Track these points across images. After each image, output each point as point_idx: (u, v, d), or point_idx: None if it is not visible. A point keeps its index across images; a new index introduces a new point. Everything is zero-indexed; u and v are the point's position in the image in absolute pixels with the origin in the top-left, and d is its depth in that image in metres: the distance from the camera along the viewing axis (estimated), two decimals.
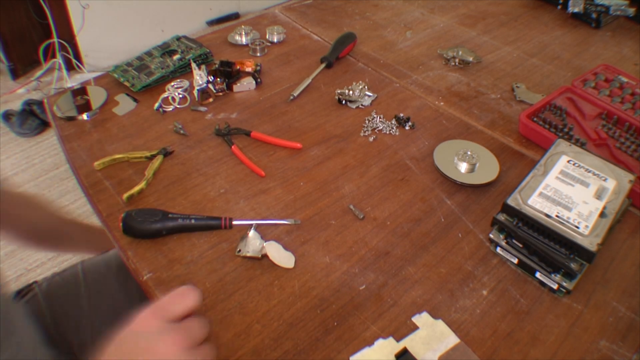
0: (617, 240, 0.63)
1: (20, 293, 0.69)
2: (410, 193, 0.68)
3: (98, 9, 2.16)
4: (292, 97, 0.85)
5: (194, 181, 0.68)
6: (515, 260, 0.59)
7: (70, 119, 0.78)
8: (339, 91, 0.85)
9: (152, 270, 0.57)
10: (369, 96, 0.85)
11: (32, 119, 2.09)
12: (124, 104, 0.82)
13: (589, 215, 0.55)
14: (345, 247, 0.61)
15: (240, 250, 0.58)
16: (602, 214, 0.55)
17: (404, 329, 0.52)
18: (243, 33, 0.98)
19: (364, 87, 0.86)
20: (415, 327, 0.52)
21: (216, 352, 0.46)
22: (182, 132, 0.76)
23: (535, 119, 0.79)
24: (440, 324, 0.53)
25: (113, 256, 0.75)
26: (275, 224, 0.62)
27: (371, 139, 0.77)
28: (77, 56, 2.28)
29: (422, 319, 0.53)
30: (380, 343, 0.51)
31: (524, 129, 0.79)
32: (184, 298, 0.45)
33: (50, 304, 0.67)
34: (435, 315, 0.54)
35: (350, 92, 0.84)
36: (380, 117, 0.81)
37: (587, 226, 0.54)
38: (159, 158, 0.70)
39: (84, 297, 0.69)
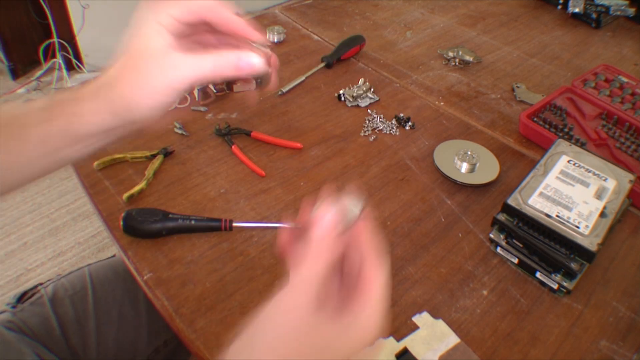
0: (617, 240, 0.63)
1: (25, 295, 0.69)
2: (410, 193, 0.68)
3: (98, 9, 2.16)
4: (280, 92, 0.85)
5: (194, 181, 0.68)
6: (516, 260, 0.59)
7: None
8: (342, 91, 0.85)
9: (152, 270, 0.57)
10: (371, 98, 0.85)
11: None
12: None
13: (589, 215, 0.55)
14: None
15: None
16: (602, 214, 0.55)
17: (405, 328, 0.52)
18: None
19: (369, 87, 0.86)
20: (415, 327, 0.52)
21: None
22: (182, 132, 0.76)
23: (535, 119, 0.79)
24: (440, 324, 0.53)
25: (120, 261, 0.75)
26: (276, 227, 0.62)
27: (371, 139, 0.77)
28: (77, 56, 2.28)
29: (423, 319, 0.53)
30: (380, 343, 0.51)
31: (524, 129, 0.79)
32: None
33: (56, 307, 0.67)
34: (435, 315, 0.54)
35: (354, 91, 0.84)
36: (380, 117, 0.81)
37: (587, 226, 0.54)
38: (159, 158, 0.70)
39: (90, 301, 0.69)
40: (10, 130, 0.42)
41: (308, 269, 0.34)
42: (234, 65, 0.40)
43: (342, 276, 0.38)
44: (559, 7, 1.18)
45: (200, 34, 0.45)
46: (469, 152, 0.71)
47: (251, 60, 0.40)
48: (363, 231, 0.37)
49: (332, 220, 0.35)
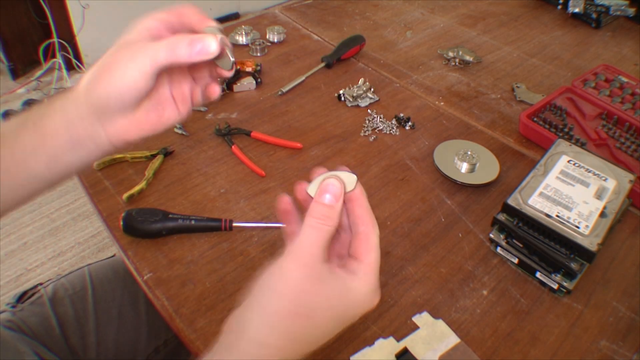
0: (617, 240, 0.63)
1: (25, 294, 0.69)
2: (410, 193, 0.68)
3: (98, 9, 2.16)
4: (280, 92, 0.85)
5: (194, 181, 0.68)
6: (516, 260, 0.59)
7: None
8: (342, 91, 0.85)
9: (152, 270, 0.57)
10: (371, 98, 0.85)
11: None
12: None
13: (589, 215, 0.55)
14: None
15: None
16: (602, 214, 0.55)
17: (405, 328, 0.52)
18: (243, 33, 0.98)
19: (370, 87, 0.86)
20: (415, 327, 0.52)
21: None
22: (182, 132, 0.76)
23: (535, 119, 0.79)
24: (440, 324, 0.53)
25: (120, 261, 0.75)
26: (276, 227, 0.62)
27: (371, 138, 0.77)
28: (77, 56, 2.28)
29: (423, 319, 0.53)
30: (380, 343, 0.51)
31: (524, 129, 0.79)
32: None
33: (56, 306, 0.67)
34: (435, 315, 0.54)
35: (354, 91, 0.84)
36: (380, 117, 0.81)
37: (587, 226, 0.54)
38: (159, 158, 0.70)
39: (90, 301, 0.69)
40: None
41: (310, 238, 0.35)
42: (187, 44, 0.40)
43: (339, 240, 0.41)
44: (559, 7, 1.18)
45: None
46: (469, 152, 0.71)
47: (205, 40, 0.40)
48: (358, 198, 0.39)
49: (337, 192, 0.37)
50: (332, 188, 0.37)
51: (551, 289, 0.56)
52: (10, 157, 0.42)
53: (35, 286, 0.71)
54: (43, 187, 0.45)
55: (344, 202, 0.38)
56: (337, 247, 0.41)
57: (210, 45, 0.40)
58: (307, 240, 0.35)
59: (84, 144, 0.43)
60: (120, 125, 0.43)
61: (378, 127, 0.79)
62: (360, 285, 0.36)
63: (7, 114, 2.10)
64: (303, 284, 0.34)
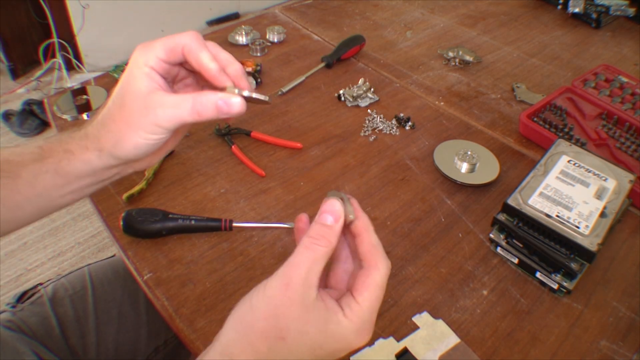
0: (617, 240, 0.63)
1: (25, 294, 0.69)
2: (410, 193, 0.68)
3: (98, 9, 2.16)
4: (280, 92, 0.85)
5: (194, 181, 0.68)
6: (516, 260, 0.59)
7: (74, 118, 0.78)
8: (342, 91, 0.85)
9: (152, 270, 0.57)
10: (371, 98, 0.85)
11: (32, 119, 2.09)
12: None
13: (589, 215, 0.55)
14: None
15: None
16: (603, 214, 0.55)
17: (405, 328, 0.52)
18: (243, 33, 0.98)
19: (369, 87, 0.86)
20: (415, 327, 0.52)
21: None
22: None
23: (535, 119, 0.79)
24: (440, 324, 0.53)
25: (120, 261, 0.75)
26: (276, 227, 0.62)
27: (371, 139, 0.77)
28: (77, 56, 2.28)
29: (423, 319, 0.53)
30: (380, 343, 0.51)
31: (524, 129, 0.79)
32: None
33: (56, 306, 0.67)
34: (435, 315, 0.54)
35: (354, 91, 0.84)
36: (380, 117, 0.81)
37: (587, 226, 0.54)
38: None
39: (90, 301, 0.69)
40: (5, 167, 0.43)
41: (300, 259, 0.34)
42: (213, 106, 0.40)
43: (345, 272, 0.40)
44: (559, 7, 1.18)
45: (186, 77, 0.47)
46: (469, 152, 0.71)
47: (230, 101, 0.41)
48: (362, 234, 0.37)
49: (337, 212, 0.36)
50: (330, 207, 0.36)
51: (551, 289, 0.56)
52: (31, 192, 0.44)
53: (35, 286, 0.71)
54: (64, 207, 0.49)
55: (354, 236, 0.38)
56: (340, 279, 0.40)
57: (234, 106, 0.41)
58: (297, 261, 0.34)
59: (111, 179, 0.47)
60: (146, 160, 0.47)
61: (378, 127, 0.79)
62: (346, 322, 0.34)
63: (7, 114, 2.10)
64: (282, 306, 0.33)
